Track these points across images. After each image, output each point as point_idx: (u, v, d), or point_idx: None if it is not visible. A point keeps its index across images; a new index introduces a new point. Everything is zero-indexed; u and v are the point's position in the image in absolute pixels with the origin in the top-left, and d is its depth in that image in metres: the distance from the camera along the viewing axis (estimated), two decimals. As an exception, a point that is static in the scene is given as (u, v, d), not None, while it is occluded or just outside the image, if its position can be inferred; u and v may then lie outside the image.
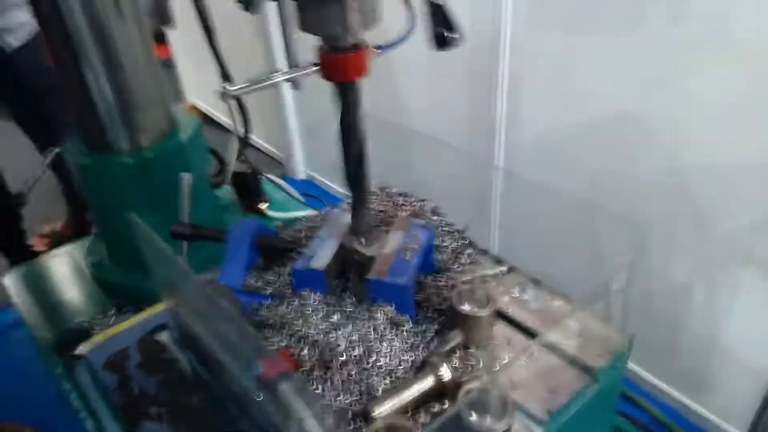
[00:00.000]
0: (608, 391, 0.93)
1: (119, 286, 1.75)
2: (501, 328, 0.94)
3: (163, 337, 1.61)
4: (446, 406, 0.80)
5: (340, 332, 0.85)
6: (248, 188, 2.14)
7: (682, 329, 1.47)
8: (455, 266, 1.05)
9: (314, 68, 0.77)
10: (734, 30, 1.17)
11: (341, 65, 0.75)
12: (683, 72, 1.26)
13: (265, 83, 0.74)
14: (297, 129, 2.65)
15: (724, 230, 1.30)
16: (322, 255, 0.95)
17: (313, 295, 0.93)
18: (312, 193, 2.59)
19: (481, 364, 0.86)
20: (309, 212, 2.31)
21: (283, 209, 2.33)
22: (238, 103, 1.98)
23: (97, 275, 1.81)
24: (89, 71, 1.46)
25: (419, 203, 1.13)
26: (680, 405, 1.58)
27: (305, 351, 0.84)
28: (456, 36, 0.64)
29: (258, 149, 2.82)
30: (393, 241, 0.97)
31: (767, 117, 1.17)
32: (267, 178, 2.42)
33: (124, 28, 1.51)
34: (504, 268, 1.06)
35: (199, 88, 3.29)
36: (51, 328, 1.68)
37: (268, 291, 0.98)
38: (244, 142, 2.08)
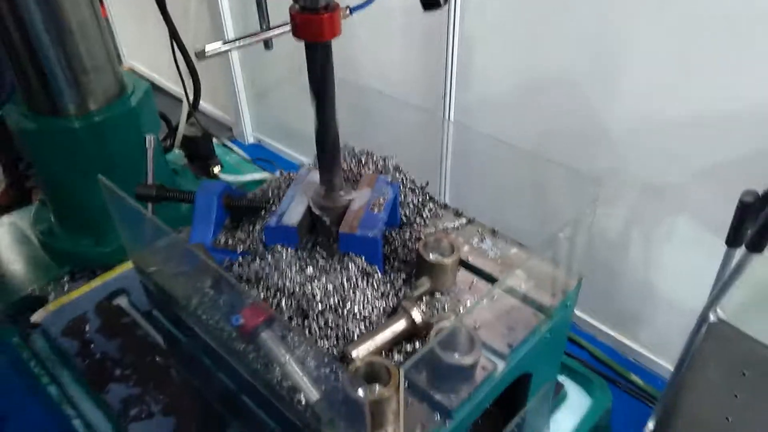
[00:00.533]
0: (560, 326, 1.02)
1: (71, 253, 1.72)
2: (463, 275, 1.01)
3: (122, 301, 1.62)
4: (417, 346, 0.87)
5: (315, 283, 0.90)
6: (199, 152, 2.12)
7: (619, 274, 1.60)
8: (418, 220, 1.11)
9: (287, 28, 0.79)
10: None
11: (315, 25, 0.77)
12: (626, 32, 1.34)
13: (241, 44, 0.75)
14: (245, 93, 2.61)
15: (658, 183, 1.42)
16: (293, 212, 0.98)
17: (285, 250, 0.96)
18: (262, 156, 2.58)
19: (447, 308, 0.93)
20: (262, 175, 2.32)
21: (235, 172, 2.32)
22: (189, 68, 1.94)
23: (46, 243, 1.77)
24: (34, 32, 1.41)
25: (382, 161, 1.18)
26: (618, 343, 1.73)
27: (283, 302, 0.88)
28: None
29: (205, 114, 2.76)
30: (361, 196, 1.01)
31: (697, 76, 1.27)
32: (220, 141, 2.40)
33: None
34: (463, 221, 1.13)
35: (138, 51, 3.15)
36: (2, 298, 1.65)
37: (241, 248, 1.01)
38: (194, 106, 2.05)
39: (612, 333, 1.73)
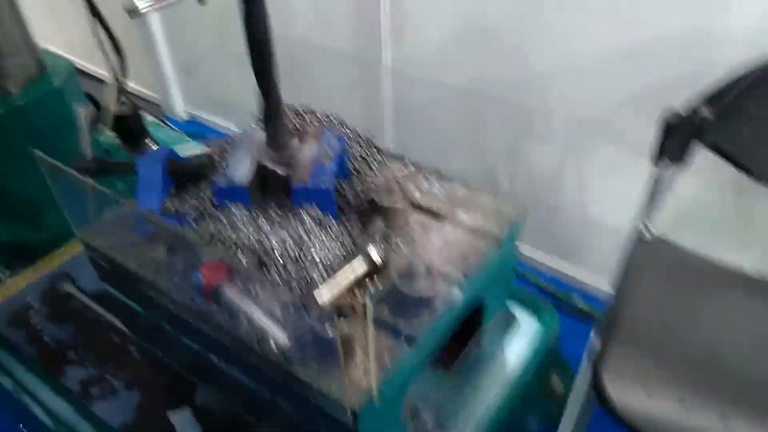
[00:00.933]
0: (508, 255, 1.09)
1: (6, 243, 1.66)
2: (415, 217, 1.05)
3: (67, 287, 1.57)
4: (379, 285, 0.91)
5: (272, 237, 0.91)
6: (131, 130, 2.04)
7: (556, 206, 1.69)
8: (367, 171, 1.14)
9: (216, -20, 0.78)
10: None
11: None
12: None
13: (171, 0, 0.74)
14: (172, 68, 2.52)
15: (586, 116, 1.50)
16: (242, 170, 0.98)
17: (238, 209, 0.97)
18: (197, 131, 2.52)
19: (402, 247, 0.97)
20: (199, 149, 2.27)
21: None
22: (113, 44, 1.85)
23: (-22, 238, 1.69)
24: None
25: (326, 117, 1.19)
26: (561, 273, 1.83)
27: (242, 258, 0.90)
28: None
29: (130, 93, 2.65)
30: (309, 150, 1.02)
31: (623, 7, 1.33)
32: (153, 117, 2.32)
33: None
34: (411, 168, 1.16)
35: (48, 31, 2.96)
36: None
37: (191, 213, 1.00)
38: (121, 84, 1.96)
39: (554, 263, 1.83)
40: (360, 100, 1.84)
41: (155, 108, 2.74)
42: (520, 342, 1.37)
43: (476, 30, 1.54)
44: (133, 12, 0.71)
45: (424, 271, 0.88)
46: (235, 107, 2.49)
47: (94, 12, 1.74)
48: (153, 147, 2.09)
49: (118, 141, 2.06)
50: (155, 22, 2.37)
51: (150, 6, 0.72)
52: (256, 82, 0.92)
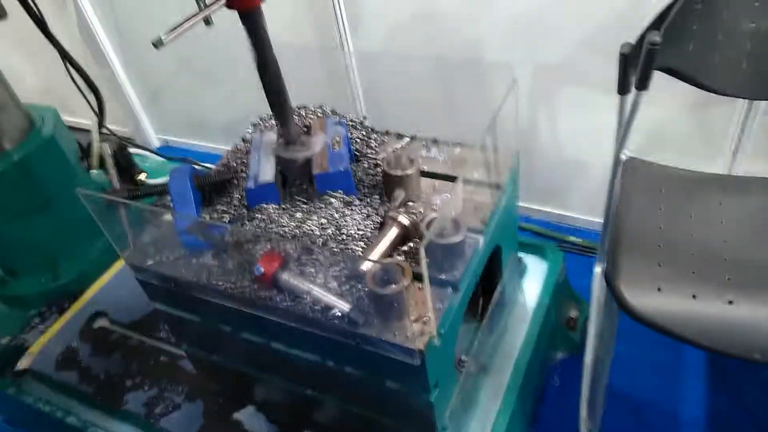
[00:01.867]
0: (512, 198, 1.20)
1: (30, 295, 1.71)
2: (425, 182, 1.16)
3: (103, 322, 1.64)
4: (411, 245, 1.01)
5: (309, 222, 1.01)
6: (119, 164, 2.10)
7: (534, 153, 1.81)
8: (369, 151, 1.24)
9: (222, 1, 0.87)
10: None
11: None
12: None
13: (188, 26, 0.82)
14: (138, 99, 2.57)
15: (548, 62, 1.62)
16: (265, 171, 1.07)
17: (270, 206, 1.06)
18: (174, 155, 2.57)
19: (423, 210, 1.08)
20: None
21: (161, 175, 2.31)
22: (88, 85, 1.90)
23: (1, 295, 1.73)
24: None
25: (320, 109, 1.28)
26: (551, 215, 1.97)
27: (288, 246, 0.99)
28: None
29: (107, 131, 2.66)
30: (319, 141, 1.12)
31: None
32: (134, 148, 2.36)
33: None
34: (407, 139, 1.27)
35: (27, 91, 2.95)
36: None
37: (227, 218, 1.09)
38: (101, 123, 2.02)
39: (543, 208, 1.97)
40: (332, 87, 1.94)
41: (129, 140, 2.77)
42: (532, 282, 1.51)
43: (424, 3, 1.64)
44: (158, 43, 0.79)
45: (449, 225, 0.99)
46: (205, 125, 2.55)
47: (65, 55, 1.79)
48: (143, 177, 2.16)
49: (107, 177, 2.11)
50: (115, 57, 2.40)
51: (172, 36, 0.80)
52: (264, 89, 1.00)
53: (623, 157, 1.37)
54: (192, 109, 2.52)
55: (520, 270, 1.54)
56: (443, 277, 0.95)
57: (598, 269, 1.53)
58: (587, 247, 1.87)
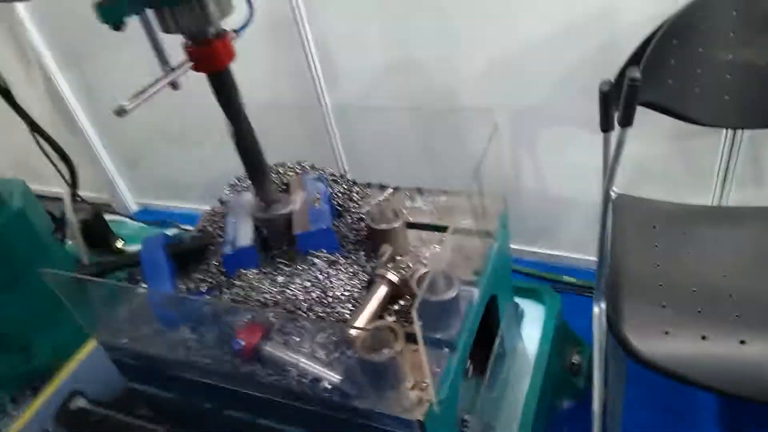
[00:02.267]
0: (504, 246, 1.16)
1: (2, 378, 1.60)
2: (412, 233, 1.11)
3: (80, 402, 1.53)
4: (402, 303, 0.96)
5: (292, 286, 0.95)
6: (96, 233, 2.03)
7: (519, 195, 1.78)
8: (351, 204, 1.19)
9: (187, 65, 0.83)
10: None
11: (212, 55, 0.82)
12: None
13: (152, 92, 0.78)
14: (113, 165, 2.52)
15: (523, 105, 1.61)
16: (243, 233, 1.02)
17: (250, 271, 1.00)
18: (153, 218, 2.51)
19: (411, 264, 1.03)
20: (166, 232, 2.26)
21: (139, 241, 2.23)
22: (59, 155, 1.86)
23: (-32, 376, 1.63)
24: None
25: (298, 166, 1.24)
26: (543, 255, 1.93)
27: (271, 314, 0.93)
28: None
29: (83, 199, 2.60)
30: (298, 198, 1.07)
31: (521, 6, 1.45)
32: (111, 214, 2.30)
33: None
34: (390, 190, 1.23)
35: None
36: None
37: (205, 287, 1.03)
38: (74, 187, 1.96)
39: (534, 249, 1.93)
40: (311, 143, 1.91)
41: (107, 207, 2.71)
42: (531, 328, 1.44)
43: (400, 54, 1.64)
44: (121, 112, 0.74)
45: (441, 279, 0.93)
46: (183, 187, 2.50)
47: (34, 126, 1.75)
48: (121, 245, 2.09)
49: (84, 247, 2.04)
50: (87, 123, 2.37)
51: (135, 103, 0.76)
52: (237, 150, 0.96)
53: (612, 194, 1.34)
54: (169, 172, 2.48)
55: (518, 316, 1.48)
56: (439, 336, 0.89)
57: (596, 310, 1.48)
58: (582, 286, 1.82)
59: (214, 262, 1.05)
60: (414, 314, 0.71)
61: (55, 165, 1.80)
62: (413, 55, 1.63)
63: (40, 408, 1.51)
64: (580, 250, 1.86)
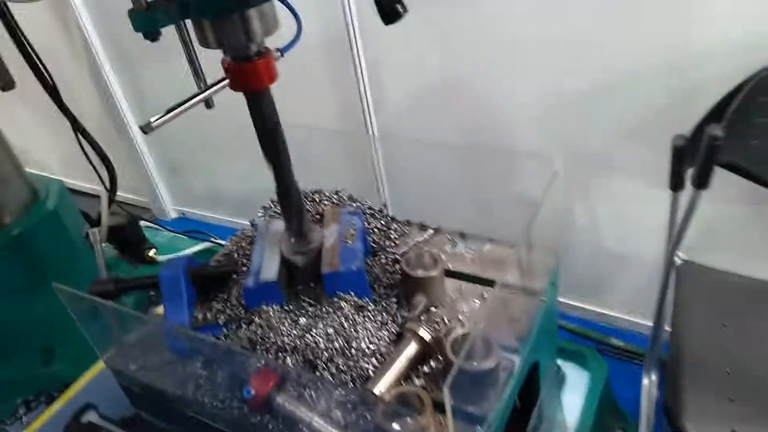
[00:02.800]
0: (552, 305, 1.05)
1: (18, 380, 1.57)
2: (450, 283, 1.01)
3: (91, 417, 1.48)
4: (432, 364, 0.86)
5: (314, 332, 0.86)
6: (129, 239, 2.00)
7: (571, 246, 1.66)
8: (388, 243, 1.11)
9: (224, 83, 0.77)
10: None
11: (253, 74, 0.76)
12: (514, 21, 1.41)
13: (183, 108, 0.72)
14: (157, 170, 2.52)
15: (583, 151, 1.50)
16: (268, 267, 0.94)
17: (271, 308, 0.92)
18: (189, 228, 2.49)
19: (447, 319, 0.93)
20: (200, 247, 2.22)
21: (171, 250, 2.21)
22: (100, 158, 1.85)
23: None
24: None
25: (335, 195, 1.16)
26: (590, 313, 1.79)
27: (288, 359, 0.84)
28: (402, 7, 0.67)
29: (118, 201, 2.61)
30: (331, 233, 0.99)
31: (593, 41, 1.35)
32: (146, 222, 2.28)
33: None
34: (431, 232, 1.14)
35: (40, 156, 2.97)
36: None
37: (222, 319, 0.95)
38: (113, 192, 1.94)
39: (581, 305, 1.79)
40: (353, 171, 1.84)
41: (145, 212, 2.71)
42: (573, 397, 1.31)
43: (453, 85, 1.56)
44: (146, 127, 0.68)
45: (480, 345, 0.83)
46: (222, 199, 2.48)
47: (77, 127, 1.74)
48: (152, 254, 2.05)
49: (116, 253, 2.02)
50: (136, 128, 2.37)
51: (163, 119, 0.70)
52: (273, 176, 0.89)
53: (677, 260, 1.21)
54: (210, 182, 2.46)
55: (559, 380, 1.35)
56: (471, 410, 0.79)
57: (646, 382, 1.34)
58: (631, 351, 1.67)
59: (235, 293, 0.98)
60: (446, 392, 0.61)
61: (94, 167, 1.79)
62: (468, 88, 1.55)
63: (51, 417, 1.47)
64: (631, 312, 1.72)
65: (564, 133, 1.49)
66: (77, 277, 1.50)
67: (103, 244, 2.01)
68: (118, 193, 2.10)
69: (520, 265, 0.96)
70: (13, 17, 1.45)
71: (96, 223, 1.86)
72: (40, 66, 1.53)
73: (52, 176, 1.83)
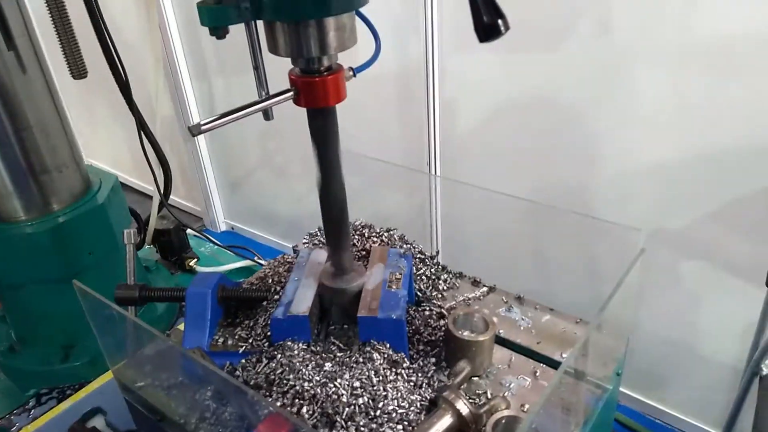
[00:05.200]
0: (614, 397, 0.91)
1: (36, 371, 1.53)
2: (498, 351, 0.89)
3: (97, 422, 1.42)
4: (468, 445, 0.74)
5: (338, 381, 0.76)
6: (173, 245, 1.98)
7: (638, 329, 1.50)
8: (435, 294, 1.00)
9: (287, 95, 0.70)
10: (657, 37, 1.23)
11: (319, 89, 0.69)
12: (614, 77, 1.31)
13: (237, 115, 0.66)
14: (216, 182, 2.53)
15: (664, 228, 1.36)
16: (301, 299, 0.86)
17: (297, 345, 0.83)
18: (236, 243, 2.45)
19: (490, 393, 0.81)
20: (240, 263, 2.18)
21: (213, 263, 2.17)
22: (158, 157, 1.85)
23: (6, 364, 1.58)
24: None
25: (386, 232, 1.08)
26: (644, 406, 1.60)
27: (304, 408, 0.75)
28: (505, 24, 0.59)
29: (171, 205, 2.62)
30: (376, 274, 0.90)
31: (692, 121, 1.23)
32: (193, 231, 2.26)
33: (28, 85, 1.36)
34: (484, 289, 1.03)
35: (94, 147, 3.05)
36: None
37: (243, 348, 0.87)
38: (166, 196, 1.93)
39: (638, 396, 1.61)
40: (409, 211, 1.75)
41: (196, 220, 2.71)
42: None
43: (527, 137, 1.45)
44: (194, 129, 0.62)
45: (525, 429, 0.71)
46: (274, 219, 2.44)
47: (142, 125, 1.74)
48: (193, 263, 2.02)
49: (158, 257, 1.99)
50: (201, 137, 2.38)
51: (213, 124, 0.64)
52: (321, 203, 0.81)
53: (764, 369, 1.04)
54: (263, 200, 2.43)
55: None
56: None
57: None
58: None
59: (261, 322, 0.90)
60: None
61: (152, 168, 1.78)
62: (545, 141, 1.44)
63: (59, 415, 1.41)
64: (695, 414, 1.52)
65: (649, 203, 1.35)
66: (114, 275, 1.46)
67: (147, 246, 1.99)
68: (173, 197, 2.09)
69: (586, 347, 0.84)
70: (98, 6, 1.46)
71: (144, 223, 1.84)
72: (117, 60, 1.53)
73: (109, 169, 1.84)
